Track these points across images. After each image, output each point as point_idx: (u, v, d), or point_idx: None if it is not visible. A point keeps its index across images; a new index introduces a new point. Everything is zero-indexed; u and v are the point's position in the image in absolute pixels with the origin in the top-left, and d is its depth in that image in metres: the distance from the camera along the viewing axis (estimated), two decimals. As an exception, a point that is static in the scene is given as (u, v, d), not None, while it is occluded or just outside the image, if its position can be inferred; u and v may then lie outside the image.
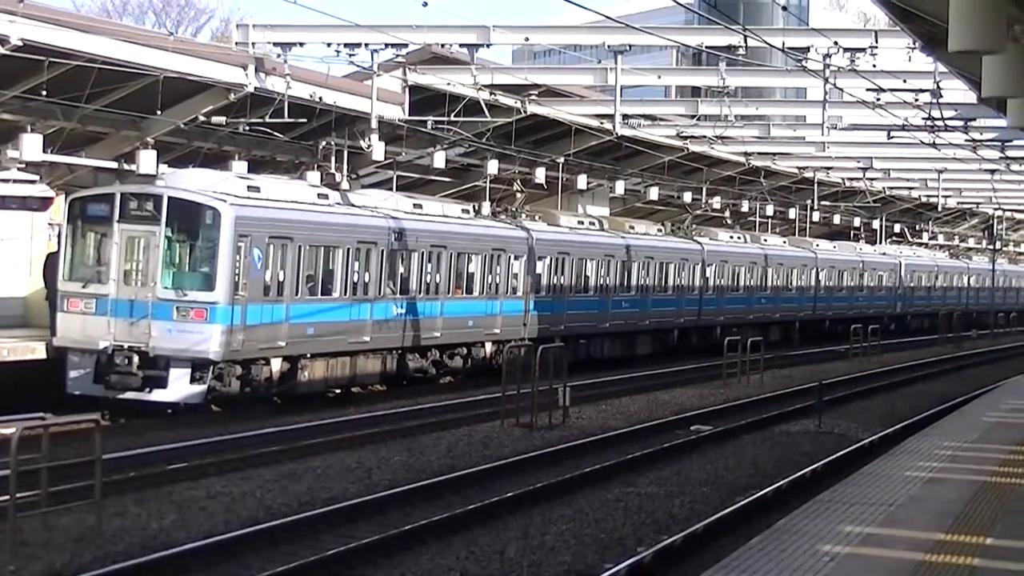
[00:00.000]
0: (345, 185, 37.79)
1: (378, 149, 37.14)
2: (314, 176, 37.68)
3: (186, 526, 18.19)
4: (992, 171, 55.58)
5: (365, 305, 34.06)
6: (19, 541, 16.36)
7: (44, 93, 29.43)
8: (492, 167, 45.01)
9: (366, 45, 34.29)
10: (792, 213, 69.14)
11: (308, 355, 32.10)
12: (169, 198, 29.68)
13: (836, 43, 33.58)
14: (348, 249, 33.50)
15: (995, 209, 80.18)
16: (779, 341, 58.09)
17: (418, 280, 36.46)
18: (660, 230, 53.30)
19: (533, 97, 41.83)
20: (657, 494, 22.02)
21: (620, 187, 53.50)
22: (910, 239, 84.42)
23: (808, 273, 64.32)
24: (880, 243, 78.79)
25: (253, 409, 30.30)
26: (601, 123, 43.48)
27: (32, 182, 32.51)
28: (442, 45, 36.92)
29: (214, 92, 33.75)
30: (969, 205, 79.53)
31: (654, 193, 56.03)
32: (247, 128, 34.68)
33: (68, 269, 30.27)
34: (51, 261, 32.09)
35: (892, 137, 45.51)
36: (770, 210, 66.50)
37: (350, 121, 38.13)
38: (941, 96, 36.72)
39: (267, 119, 34.07)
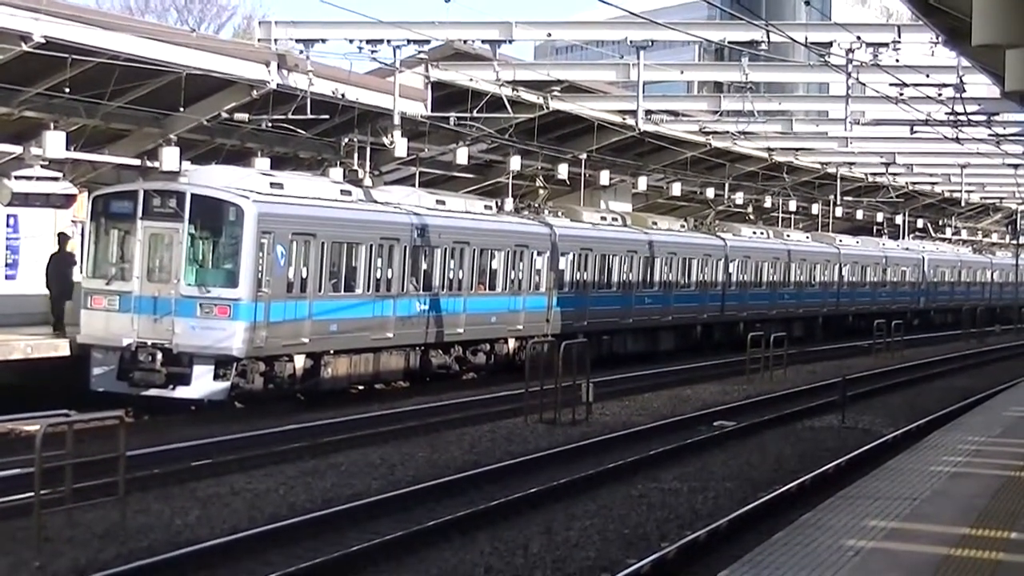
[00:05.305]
0: (368, 181, 37.80)
1: (400, 145, 37.13)
2: (337, 172, 37.73)
3: (210, 523, 18.22)
4: (1016, 166, 55.48)
5: (388, 302, 34.05)
6: (44, 537, 16.42)
7: (67, 90, 29.54)
8: (515, 163, 44.99)
9: (388, 41, 34.38)
10: (815, 208, 69.09)
11: (331, 352, 32.10)
12: (192, 195, 29.67)
13: (859, 38, 33.54)
14: (371, 245, 33.47)
15: (1019, 204, 79.97)
16: (802, 336, 57.92)
17: (441, 276, 36.43)
18: (683, 226, 53.16)
19: (555, 93, 41.84)
20: (680, 490, 21.99)
21: (643, 183, 53.54)
22: (933, 234, 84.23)
23: (831, 268, 64.15)
24: (903, 238, 78.62)
25: (276, 406, 30.31)
26: (624, 119, 43.49)
27: (55, 179, 32.57)
28: (464, 41, 37.00)
29: (237, 89, 33.86)
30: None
31: (677, 189, 56.08)
32: (270, 125, 34.75)
33: (92, 266, 30.31)
34: (54, 261, 32.11)
35: (915, 132, 45.42)
36: (793, 205, 66.43)
37: (372, 117, 38.18)
38: (964, 91, 36.63)
39: (290, 116, 34.18)
